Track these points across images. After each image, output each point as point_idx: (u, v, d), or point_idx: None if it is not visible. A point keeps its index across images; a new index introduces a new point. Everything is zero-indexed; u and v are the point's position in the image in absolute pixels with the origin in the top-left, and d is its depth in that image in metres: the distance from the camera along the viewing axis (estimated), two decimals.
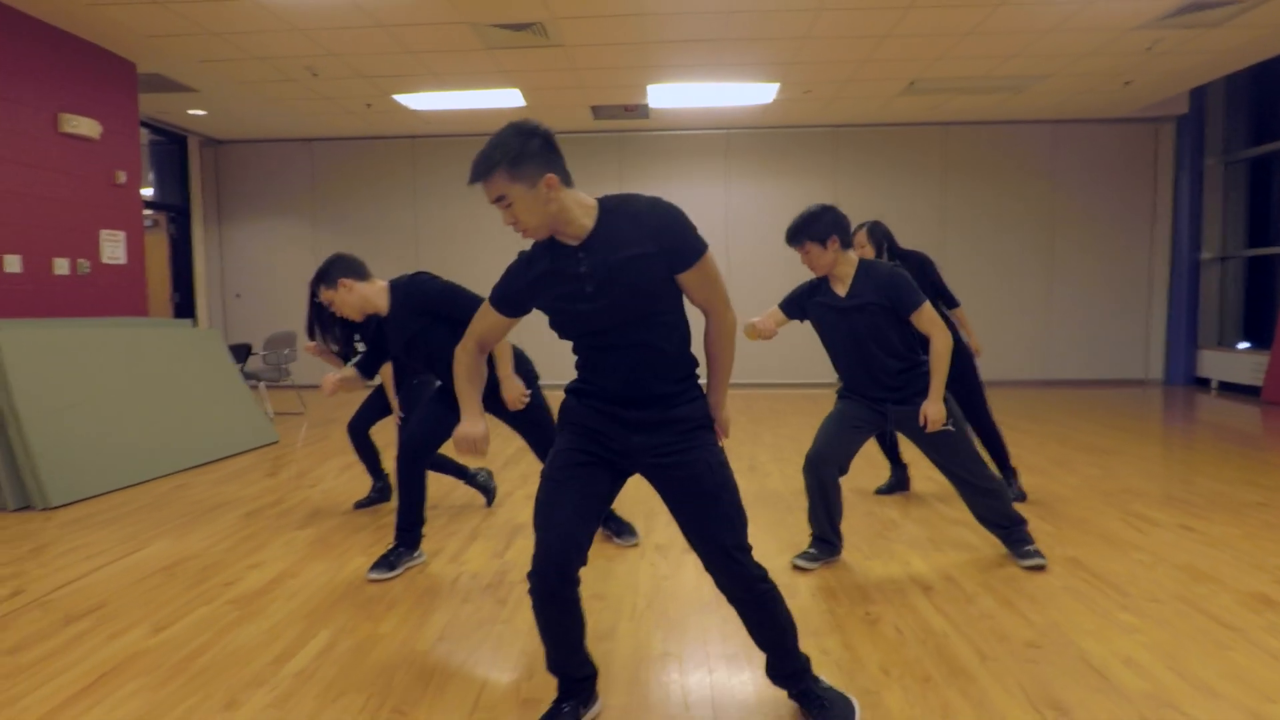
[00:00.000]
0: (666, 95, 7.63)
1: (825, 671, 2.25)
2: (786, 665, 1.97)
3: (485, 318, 1.96)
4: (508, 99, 7.69)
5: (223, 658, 2.34)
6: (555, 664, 1.92)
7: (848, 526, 3.62)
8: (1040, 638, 2.47)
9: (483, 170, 1.69)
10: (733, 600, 1.90)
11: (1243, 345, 8.78)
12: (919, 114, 8.67)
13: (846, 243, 2.95)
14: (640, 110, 8.28)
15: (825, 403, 8.06)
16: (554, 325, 1.88)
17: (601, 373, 1.84)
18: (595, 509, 1.85)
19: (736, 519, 1.84)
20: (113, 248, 6.02)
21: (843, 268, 2.96)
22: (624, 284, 1.74)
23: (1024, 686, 2.16)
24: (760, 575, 1.87)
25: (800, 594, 2.83)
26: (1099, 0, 5.42)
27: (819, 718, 1.94)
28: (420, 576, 3.01)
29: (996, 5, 5.41)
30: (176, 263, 9.08)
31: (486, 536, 3.53)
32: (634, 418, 1.82)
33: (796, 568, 3.08)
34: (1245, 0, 5.44)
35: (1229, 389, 8.51)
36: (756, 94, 7.65)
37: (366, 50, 6.14)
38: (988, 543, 3.39)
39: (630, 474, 1.91)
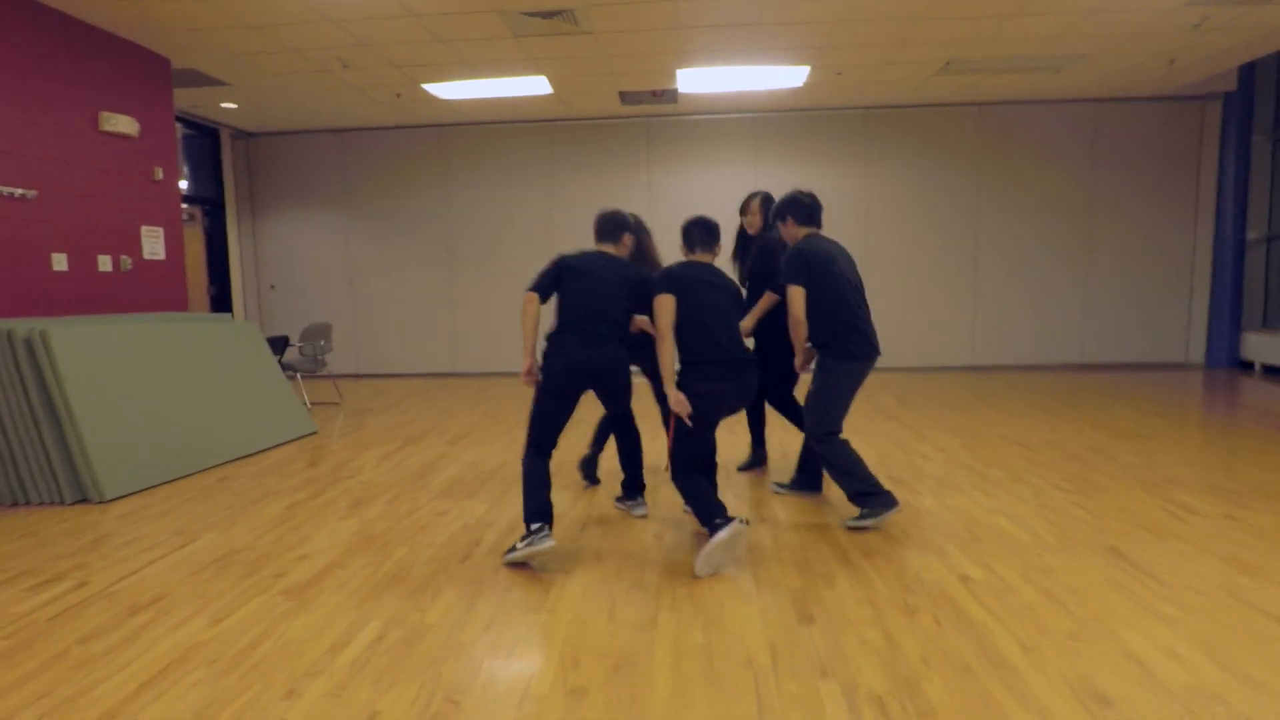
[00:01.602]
0: (695, 80, 7.58)
1: (865, 660, 2.28)
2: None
3: None
4: (535, 86, 7.69)
5: (279, 648, 2.43)
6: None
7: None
8: (1081, 629, 2.47)
9: None
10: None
11: None
12: (954, 94, 8.51)
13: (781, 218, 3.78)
14: (669, 95, 8.23)
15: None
16: None
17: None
18: None
19: None
20: (153, 244, 6.17)
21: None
22: None
23: (1066, 678, 2.16)
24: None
25: (838, 584, 2.85)
26: None
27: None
28: (463, 567, 3.08)
29: None
30: (212, 256, 9.26)
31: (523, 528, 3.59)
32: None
33: (864, 528, 3.46)
34: None
35: (1273, 372, 8.31)
36: (787, 77, 7.56)
37: (398, 39, 6.18)
38: (1027, 531, 3.38)
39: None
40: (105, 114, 5.69)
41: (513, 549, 3.07)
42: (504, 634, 2.50)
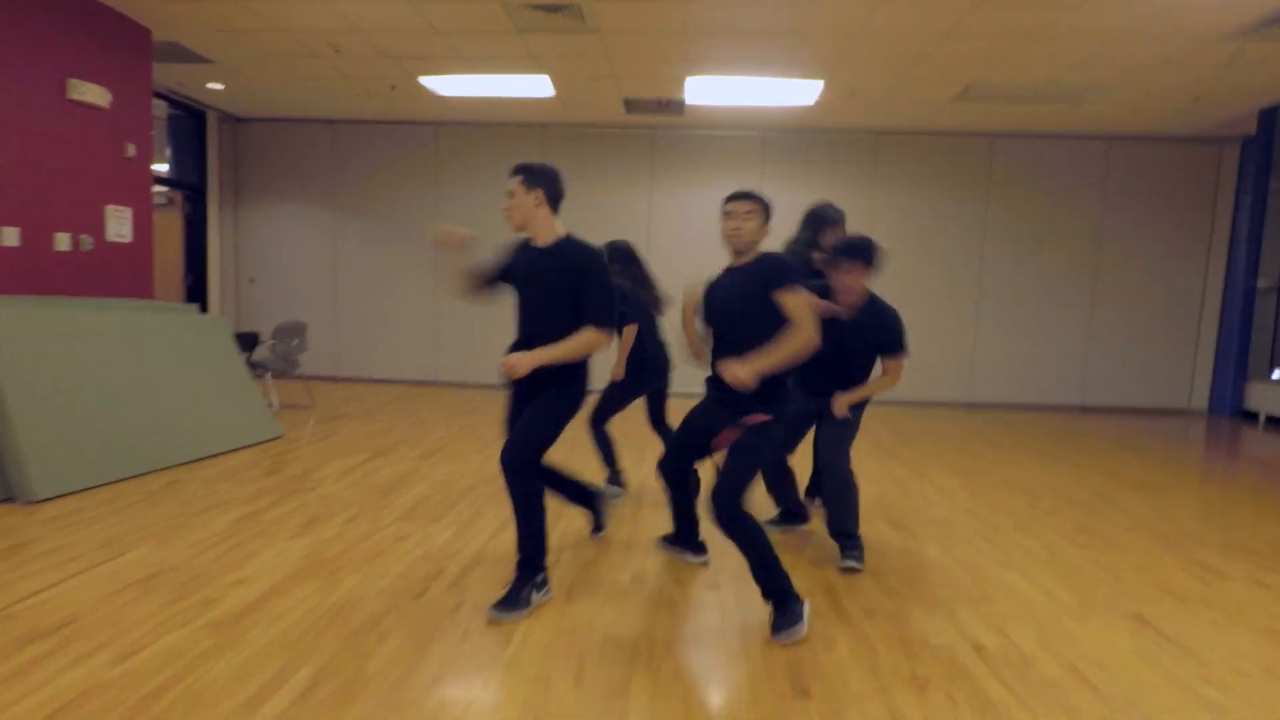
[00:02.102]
0: (704, 90, 7.32)
1: None
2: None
3: None
4: (537, 87, 7.41)
5: (190, 697, 2.08)
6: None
7: (880, 565, 3.31)
8: (1114, 714, 2.16)
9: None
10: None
11: (1278, 375, 8.35)
12: (968, 123, 8.29)
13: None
14: (675, 106, 7.97)
15: None
16: None
17: None
18: None
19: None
20: (119, 225, 5.81)
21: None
22: None
23: None
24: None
25: (838, 647, 2.53)
26: (1186, 8, 5.04)
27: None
28: (415, 605, 2.74)
29: (1076, 6, 5.05)
30: (190, 244, 8.89)
31: (491, 558, 3.26)
32: None
33: (853, 570, 3.22)
34: None
35: (1277, 424, 8.08)
36: (799, 93, 7.31)
37: (391, 26, 5.88)
38: (1041, 591, 3.07)
39: None
40: (74, 81, 5.35)
41: (514, 601, 2.66)
42: (454, 692, 2.17)
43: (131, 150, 5.86)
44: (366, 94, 7.88)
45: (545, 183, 2.76)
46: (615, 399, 4.21)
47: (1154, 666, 2.47)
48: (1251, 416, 8.51)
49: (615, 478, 4.28)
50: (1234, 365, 8.66)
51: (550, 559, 3.26)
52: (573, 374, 2.78)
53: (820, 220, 3.89)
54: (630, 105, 8.01)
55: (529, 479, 2.69)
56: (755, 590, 2.99)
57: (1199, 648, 2.62)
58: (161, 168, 8.77)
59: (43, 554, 3.09)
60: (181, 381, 4.91)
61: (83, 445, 4.10)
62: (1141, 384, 8.99)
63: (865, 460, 5.60)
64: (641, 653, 2.45)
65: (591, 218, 9.16)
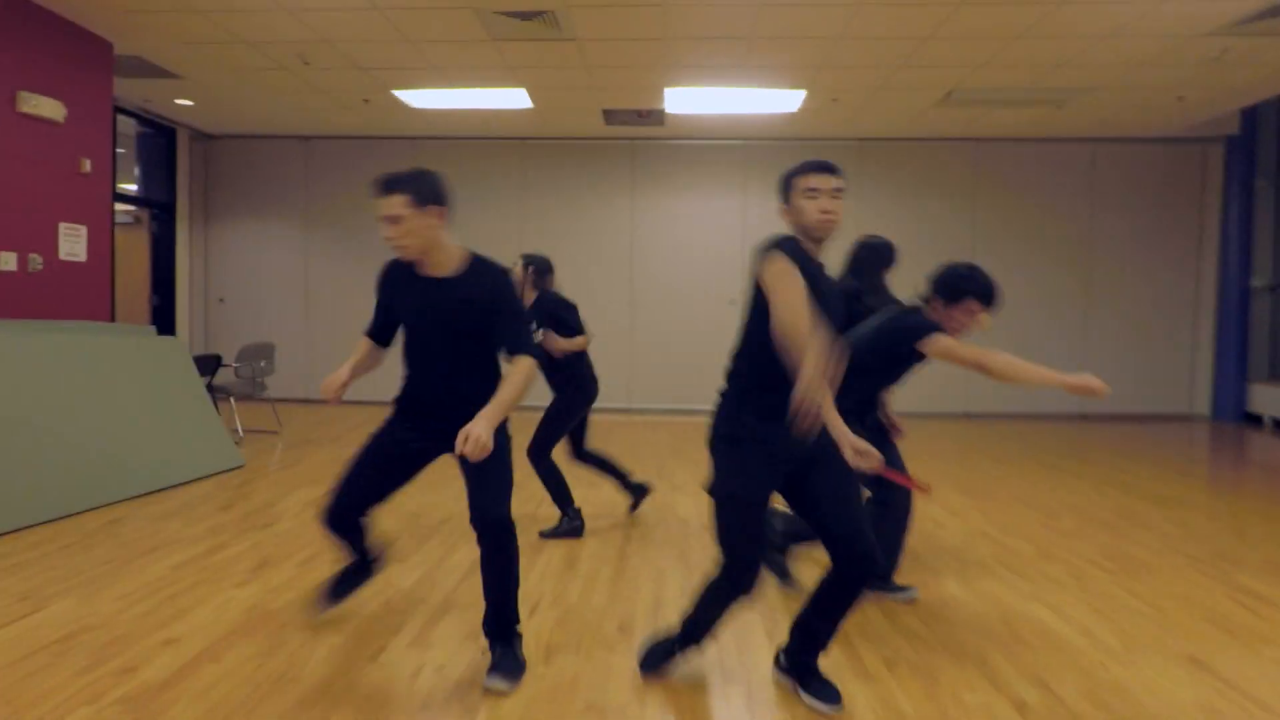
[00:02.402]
0: (685, 100, 7.07)
1: None
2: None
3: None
4: (514, 99, 7.14)
5: None
6: None
7: (897, 603, 2.99)
8: None
9: None
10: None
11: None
12: (952, 128, 8.10)
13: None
14: (655, 116, 7.73)
15: None
16: None
17: None
18: None
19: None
20: (72, 243, 5.44)
21: None
22: None
23: None
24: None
25: (856, 708, 2.20)
26: (1172, 2, 4.84)
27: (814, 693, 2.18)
28: (371, 669, 2.39)
29: (1058, 4, 4.84)
30: (157, 264, 8.51)
31: (459, 608, 2.91)
32: None
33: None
34: None
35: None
36: (781, 101, 7.09)
37: (361, 37, 5.60)
38: (1078, 630, 2.76)
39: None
40: (24, 94, 5.02)
41: (505, 668, 2.30)
42: None
43: (88, 166, 5.52)
44: (340, 108, 7.58)
45: (439, 196, 2.28)
46: (556, 423, 3.82)
47: (1215, 716, 2.16)
48: (1255, 419, 8.29)
49: (572, 515, 3.82)
50: (1234, 367, 8.46)
51: (526, 613, 2.92)
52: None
53: (884, 259, 3.56)
54: (609, 116, 7.76)
55: (511, 536, 2.29)
56: (761, 643, 2.66)
57: (1268, 696, 2.31)
58: (129, 187, 8.42)
59: None
60: (134, 409, 4.54)
61: (16, 482, 3.73)
62: (1140, 389, 8.77)
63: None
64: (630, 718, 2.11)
65: (573, 231, 8.88)
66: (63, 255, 5.41)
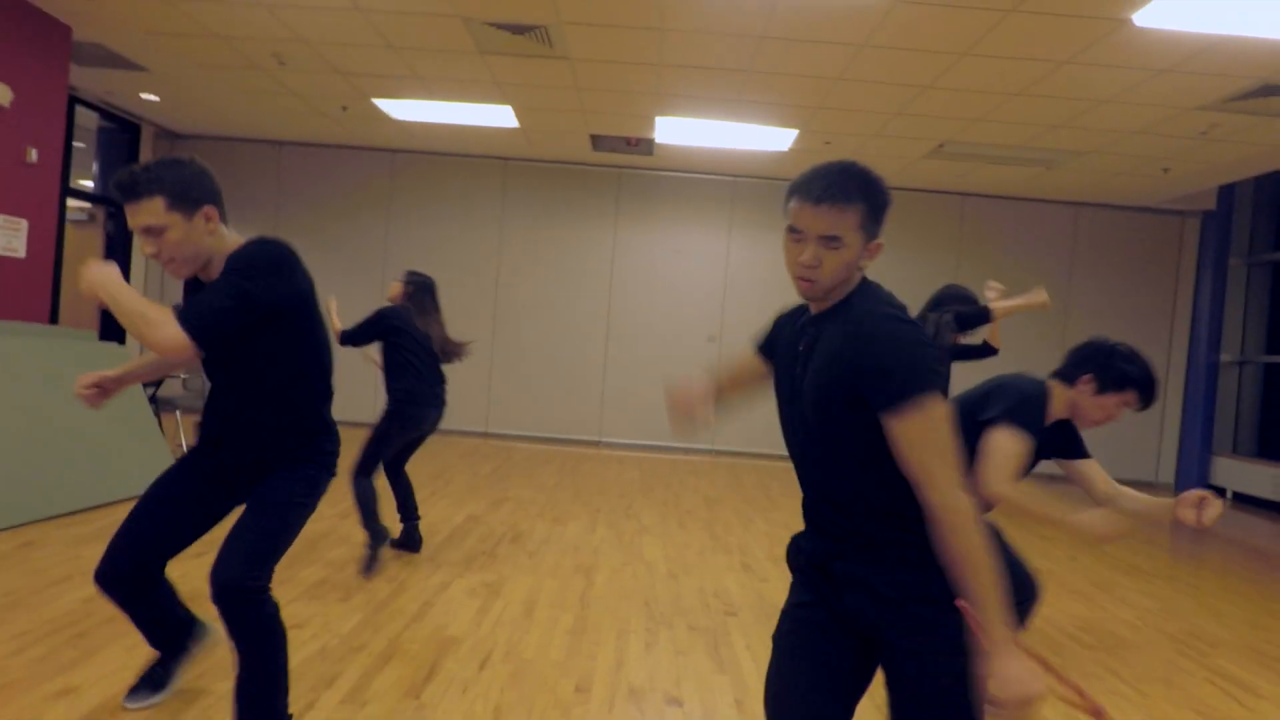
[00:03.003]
0: (675, 130, 6.99)
1: None
2: None
3: None
4: (499, 117, 6.99)
5: None
6: None
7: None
8: None
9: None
10: None
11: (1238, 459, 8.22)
12: (941, 181, 8.14)
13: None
14: (644, 145, 7.63)
15: None
16: None
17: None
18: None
19: None
20: (9, 237, 5.10)
21: None
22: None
23: None
24: None
25: None
26: (1170, 73, 4.87)
27: None
28: None
29: (1061, 63, 4.84)
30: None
31: (403, 657, 2.65)
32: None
33: None
34: None
35: (1243, 500, 7.90)
36: (772, 139, 7.04)
37: (341, 39, 5.41)
38: (1059, 713, 2.59)
39: None
40: None
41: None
42: None
43: (34, 155, 5.20)
44: (316, 114, 7.36)
45: (208, 190, 1.84)
46: (377, 443, 3.69)
47: None
48: (1218, 491, 8.33)
49: (376, 537, 3.61)
50: (1199, 440, 8.51)
51: (476, 666, 2.66)
52: (315, 442, 1.95)
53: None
54: (597, 142, 7.65)
55: (256, 606, 1.84)
56: (726, 705, 2.45)
57: None
58: (86, 183, 8.07)
59: None
60: (65, 420, 4.20)
61: None
62: (1109, 455, 8.75)
63: None
64: None
65: (553, 257, 8.70)
66: None
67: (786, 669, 1.32)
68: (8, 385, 3.97)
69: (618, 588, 3.57)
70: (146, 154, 8.30)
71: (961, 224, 8.69)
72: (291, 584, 3.26)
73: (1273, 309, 8.48)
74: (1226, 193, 8.35)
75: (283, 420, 1.91)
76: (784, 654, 1.33)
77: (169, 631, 2.13)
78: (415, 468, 6.40)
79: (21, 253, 5.19)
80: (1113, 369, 2.29)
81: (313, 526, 4.19)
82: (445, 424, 9.74)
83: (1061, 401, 2.36)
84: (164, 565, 2.03)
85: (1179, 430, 8.75)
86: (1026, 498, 2.10)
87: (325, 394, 2.00)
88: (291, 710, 2.04)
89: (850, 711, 1.31)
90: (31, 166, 5.20)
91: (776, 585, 3.83)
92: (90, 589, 3.04)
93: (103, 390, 1.97)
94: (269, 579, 1.86)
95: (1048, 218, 8.68)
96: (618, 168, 8.58)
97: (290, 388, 1.92)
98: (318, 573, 3.45)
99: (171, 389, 6.26)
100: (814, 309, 1.34)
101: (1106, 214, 8.69)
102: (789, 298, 1.43)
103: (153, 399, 5.51)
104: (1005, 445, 2.12)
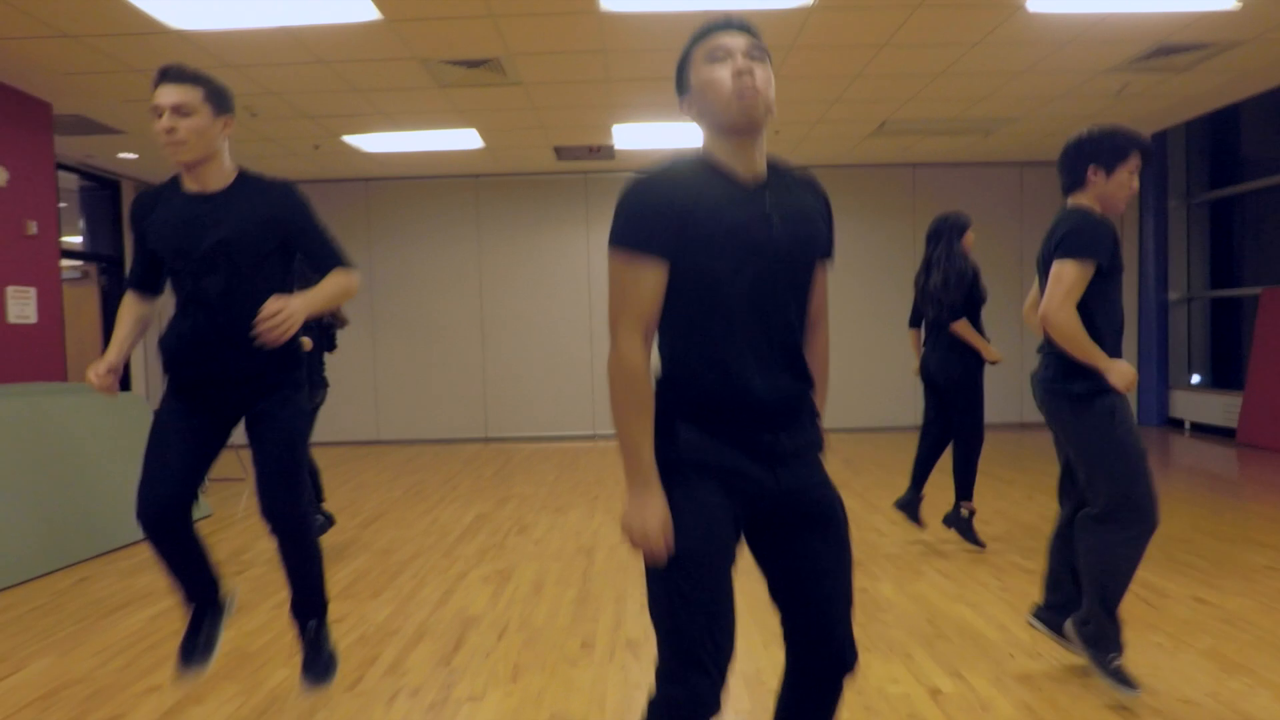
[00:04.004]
0: (633, 136, 7.39)
1: None
2: None
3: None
4: (465, 140, 7.38)
5: None
6: None
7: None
8: None
9: None
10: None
11: (1194, 379, 8.74)
12: (889, 155, 8.57)
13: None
14: (605, 151, 8.04)
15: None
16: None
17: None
18: None
19: None
20: (21, 306, 5.49)
21: None
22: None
23: None
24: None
25: None
26: (1072, 45, 5.31)
27: None
28: (348, 697, 2.56)
29: (970, 45, 5.27)
30: (108, 318, 8.49)
31: (434, 635, 3.09)
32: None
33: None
34: (1213, 45, 5.39)
35: (1201, 430, 8.41)
36: None
37: (309, 89, 5.79)
38: (994, 626, 3.06)
39: None
40: None
41: (317, 670, 2.35)
42: None
43: (33, 228, 5.58)
44: (289, 154, 7.73)
45: (232, 110, 2.10)
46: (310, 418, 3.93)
47: (1103, 697, 2.45)
48: (1177, 423, 8.84)
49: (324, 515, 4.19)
50: (1156, 376, 9.02)
51: (495, 637, 3.11)
52: (297, 368, 2.21)
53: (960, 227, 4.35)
54: (561, 152, 8.05)
55: (308, 529, 2.22)
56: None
57: (1148, 676, 2.61)
58: (74, 240, 8.41)
59: None
60: (96, 466, 4.61)
61: None
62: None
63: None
64: None
65: (531, 264, 9.11)
66: (12, 319, 5.45)
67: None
68: (44, 441, 4.37)
69: (616, 563, 4.02)
70: (129, 208, 8.64)
71: (913, 192, 9.13)
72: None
73: (1213, 246, 8.97)
74: (1160, 139, 8.81)
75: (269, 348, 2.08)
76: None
77: (204, 579, 2.29)
78: (423, 475, 6.84)
79: (33, 319, 5.58)
80: (1104, 147, 2.40)
81: (337, 537, 4.62)
82: (447, 433, 10.22)
83: (1094, 206, 2.46)
84: (191, 499, 2.20)
85: (1137, 369, 9.24)
86: (1078, 330, 2.29)
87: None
88: (341, 687, 2.47)
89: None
90: (32, 238, 5.58)
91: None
92: (154, 608, 3.48)
93: (114, 373, 2.17)
94: (307, 501, 2.23)
95: (995, 179, 9.13)
96: (584, 174, 8.98)
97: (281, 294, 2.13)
98: (348, 576, 3.88)
99: None
100: (755, 166, 1.42)
101: (1049, 170, 9.03)
102: None
103: None
104: (1063, 274, 2.29)
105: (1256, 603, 3.27)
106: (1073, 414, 2.45)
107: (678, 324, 1.41)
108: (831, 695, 1.53)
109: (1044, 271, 2.52)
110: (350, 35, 4.79)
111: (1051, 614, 2.65)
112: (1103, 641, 2.41)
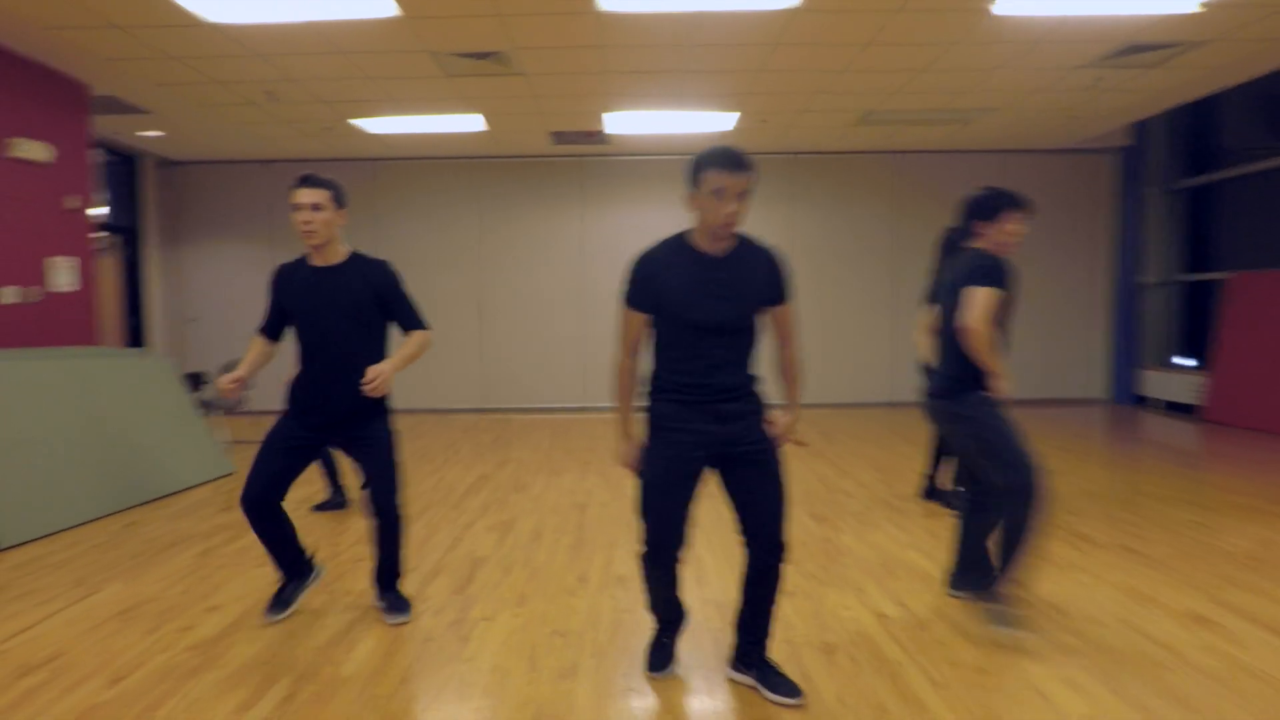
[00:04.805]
0: (626, 122, 7.75)
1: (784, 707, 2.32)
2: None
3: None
4: (470, 123, 7.73)
5: (183, 708, 2.32)
6: (657, 608, 2.49)
7: (802, 554, 3.71)
8: (988, 662, 2.58)
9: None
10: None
11: (1182, 361, 9.18)
12: (873, 143, 8.93)
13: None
14: (599, 137, 8.38)
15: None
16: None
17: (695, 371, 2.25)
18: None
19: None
20: (63, 275, 5.89)
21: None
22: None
23: (973, 712, 2.25)
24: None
25: None
26: (1044, 44, 5.68)
27: (773, 689, 2.34)
28: (380, 616, 3.01)
29: (949, 44, 5.63)
30: (128, 287, 8.88)
31: (449, 571, 3.54)
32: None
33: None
34: (1181, 45, 5.74)
35: (1171, 407, 8.86)
36: (716, 121, 7.80)
37: (326, 76, 6.14)
38: (939, 566, 3.51)
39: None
40: (16, 140, 5.45)
41: (399, 607, 2.99)
42: (422, 685, 2.46)
43: (73, 202, 5.96)
44: (302, 135, 8.07)
45: (347, 202, 2.85)
46: None
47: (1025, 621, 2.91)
48: (1146, 401, 9.30)
49: (339, 494, 4.72)
50: (1127, 356, 9.46)
51: (502, 573, 3.56)
52: (386, 403, 2.90)
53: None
54: (558, 137, 8.39)
55: (399, 518, 2.89)
56: (690, 581, 3.35)
57: (1066, 604, 3.07)
58: (96, 213, 8.74)
59: (17, 597, 3.25)
60: (134, 424, 5.04)
61: (43, 492, 4.22)
62: (1049, 377, 9.73)
63: (791, 462, 6.04)
64: (587, 640, 2.78)
65: (524, 242, 9.49)
66: (55, 287, 5.85)
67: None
68: (90, 400, 4.79)
69: (607, 516, 4.46)
70: (147, 181, 8.99)
71: (896, 180, 9.50)
72: (346, 536, 4.13)
73: (1187, 232, 9.37)
74: (1139, 129, 9.17)
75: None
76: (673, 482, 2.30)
77: (292, 556, 2.98)
78: (427, 441, 7.28)
79: (74, 287, 5.97)
80: (984, 207, 2.93)
81: (354, 495, 5.06)
82: (444, 404, 10.63)
83: (988, 249, 2.96)
84: (283, 494, 2.86)
85: (1111, 348, 9.70)
86: (988, 341, 2.77)
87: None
88: (369, 607, 2.93)
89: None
90: (71, 212, 5.96)
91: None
92: (201, 546, 3.92)
93: (240, 384, 2.81)
94: (401, 497, 2.90)
95: (977, 166, 9.49)
96: (580, 157, 9.33)
97: (378, 352, 2.86)
98: (364, 528, 4.32)
99: (209, 392, 7.07)
100: (721, 249, 2.21)
101: (1030, 158, 9.52)
102: None
103: (200, 402, 6.32)
104: (977, 298, 2.76)
105: (1175, 550, 3.73)
106: (964, 416, 2.90)
107: (661, 343, 2.28)
108: (770, 576, 2.33)
109: (944, 300, 2.96)
110: (370, 29, 5.14)
111: (965, 577, 3.10)
112: (1001, 598, 2.84)
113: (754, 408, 2.30)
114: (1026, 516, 2.78)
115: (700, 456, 2.26)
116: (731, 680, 2.48)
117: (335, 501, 4.72)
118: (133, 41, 5.28)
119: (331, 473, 4.71)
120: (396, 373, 2.77)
